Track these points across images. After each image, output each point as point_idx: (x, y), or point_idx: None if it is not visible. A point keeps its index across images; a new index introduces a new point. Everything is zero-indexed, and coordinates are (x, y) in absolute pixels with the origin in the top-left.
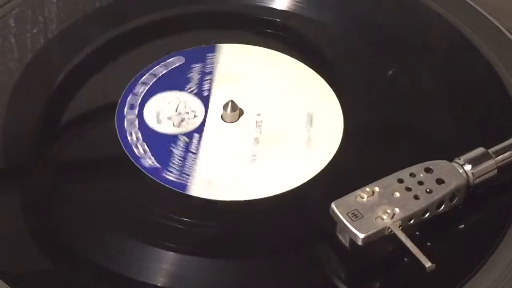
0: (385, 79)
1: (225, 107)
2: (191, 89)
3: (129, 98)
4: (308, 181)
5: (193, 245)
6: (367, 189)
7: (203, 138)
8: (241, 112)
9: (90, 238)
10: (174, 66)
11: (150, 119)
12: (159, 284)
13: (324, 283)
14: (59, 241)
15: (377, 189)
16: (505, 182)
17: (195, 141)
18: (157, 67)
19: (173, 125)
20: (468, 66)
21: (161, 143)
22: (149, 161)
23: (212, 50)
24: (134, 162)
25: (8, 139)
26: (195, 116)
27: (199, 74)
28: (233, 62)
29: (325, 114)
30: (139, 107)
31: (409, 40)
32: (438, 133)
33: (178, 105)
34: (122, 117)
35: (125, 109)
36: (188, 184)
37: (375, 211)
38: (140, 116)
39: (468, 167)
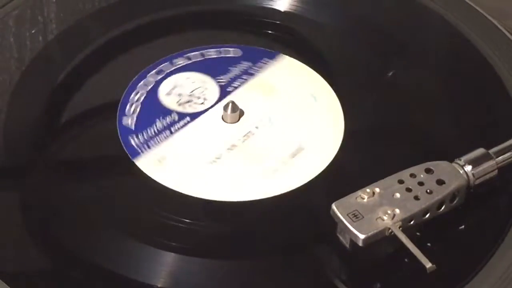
0: (385, 80)
1: (225, 107)
2: (221, 80)
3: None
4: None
5: (194, 245)
6: (368, 190)
7: (191, 124)
8: (241, 113)
9: (90, 238)
10: (227, 55)
11: (164, 88)
12: (159, 285)
13: (324, 284)
14: (59, 241)
15: (377, 189)
16: (506, 183)
17: (181, 123)
18: (197, 52)
19: (178, 102)
20: (468, 66)
21: (153, 112)
22: (129, 120)
23: (272, 56)
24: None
25: (8, 138)
26: (202, 103)
27: (241, 71)
28: (278, 75)
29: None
30: (165, 74)
31: (409, 40)
32: (438, 133)
33: (198, 88)
34: (133, 88)
35: (151, 73)
36: (141, 154)
37: (375, 211)
38: (158, 82)
39: (468, 168)
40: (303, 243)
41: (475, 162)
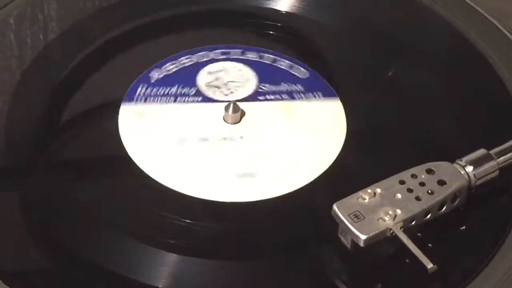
0: (386, 80)
1: (226, 108)
2: (263, 87)
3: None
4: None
5: (194, 246)
6: (369, 191)
7: (197, 104)
8: (242, 114)
9: (90, 237)
10: (294, 72)
11: (212, 67)
12: (160, 285)
13: (325, 285)
14: (59, 241)
15: (378, 190)
16: (507, 183)
17: (190, 99)
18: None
19: (208, 82)
20: (468, 66)
21: (181, 78)
22: (156, 74)
23: (328, 95)
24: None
25: (9, 138)
26: (226, 95)
27: (287, 90)
28: (312, 111)
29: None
30: (226, 58)
31: (410, 40)
32: (439, 134)
33: (236, 82)
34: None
35: (219, 50)
36: (126, 104)
37: (376, 212)
38: (214, 60)
39: (469, 169)
40: (304, 243)
41: (476, 163)
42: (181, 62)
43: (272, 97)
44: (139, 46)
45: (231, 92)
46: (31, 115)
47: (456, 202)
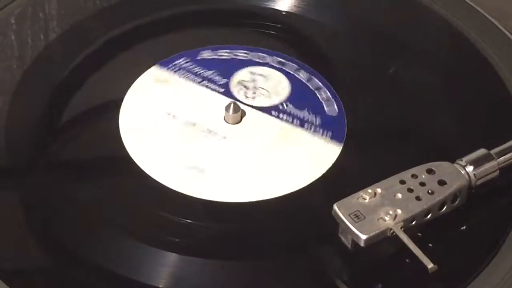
0: (386, 80)
1: (227, 108)
2: (288, 104)
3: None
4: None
5: (194, 246)
6: (369, 191)
7: (214, 94)
8: (243, 114)
9: (90, 237)
10: (328, 109)
11: (255, 69)
12: (160, 285)
13: (326, 285)
14: (59, 241)
15: (379, 190)
16: (507, 183)
17: (214, 87)
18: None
19: (238, 81)
20: (468, 66)
21: (221, 68)
22: (206, 55)
23: (338, 138)
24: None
25: (9, 138)
26: (247, 97)
27: (305, 116)
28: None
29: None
30: (276, 66)
31: (410, 40)
32: (440, 134)
33: (264, 90)
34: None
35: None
36: (158, 67)
37: (377, 212)
38: (263, 63)
39: (470, 168)
40: (305, 243)
41: (476, 163)
42: (235, 54)
43: (284, 117)
44: (140, 46)
45: (253, 98)
46: (32, 115)
47: (457, 202)
